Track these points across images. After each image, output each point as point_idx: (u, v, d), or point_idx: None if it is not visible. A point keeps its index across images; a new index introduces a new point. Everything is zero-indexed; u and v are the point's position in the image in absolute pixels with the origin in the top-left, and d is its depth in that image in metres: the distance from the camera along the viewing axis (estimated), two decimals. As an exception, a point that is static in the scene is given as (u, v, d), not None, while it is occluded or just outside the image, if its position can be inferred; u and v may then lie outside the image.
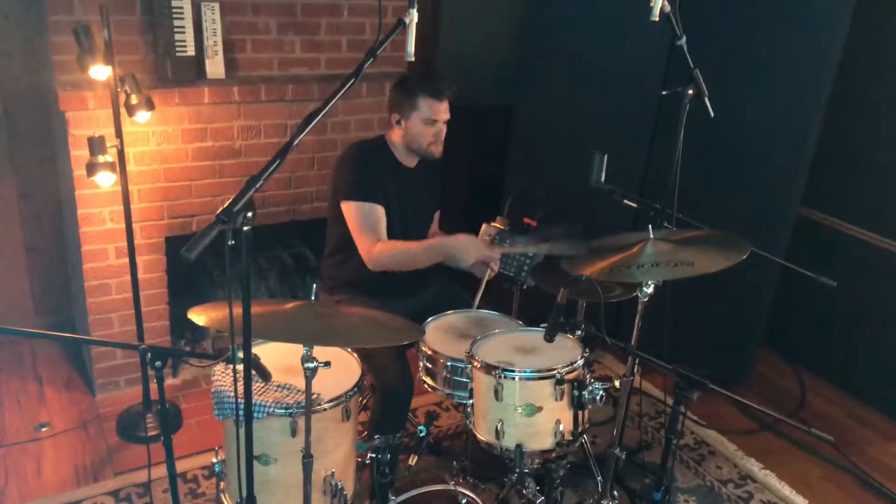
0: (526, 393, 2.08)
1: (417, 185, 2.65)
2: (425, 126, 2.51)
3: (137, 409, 2.98)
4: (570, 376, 2.09)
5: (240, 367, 1.62)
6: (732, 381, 3.44)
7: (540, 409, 2.09)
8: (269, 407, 1.90)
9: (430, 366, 2.37)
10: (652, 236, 2.17)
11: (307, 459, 1.86)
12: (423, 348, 2.36)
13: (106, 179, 2.65)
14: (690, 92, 2.32)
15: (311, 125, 1.61)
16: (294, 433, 1.92)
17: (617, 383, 2.22)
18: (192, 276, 3.42)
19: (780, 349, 3.79)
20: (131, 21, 2.83)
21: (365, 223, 2.49)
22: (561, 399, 2.09)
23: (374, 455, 2.02)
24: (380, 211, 2.51)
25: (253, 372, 1.66)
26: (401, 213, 2.59)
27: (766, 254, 2.45)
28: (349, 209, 2.50)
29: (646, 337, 2.21)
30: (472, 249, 2.45)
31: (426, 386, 2.40)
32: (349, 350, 2.19)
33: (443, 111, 2.51)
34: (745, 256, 2.04)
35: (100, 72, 2.53)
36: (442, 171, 2.74)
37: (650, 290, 2.08)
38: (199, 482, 2.67)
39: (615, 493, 2.41)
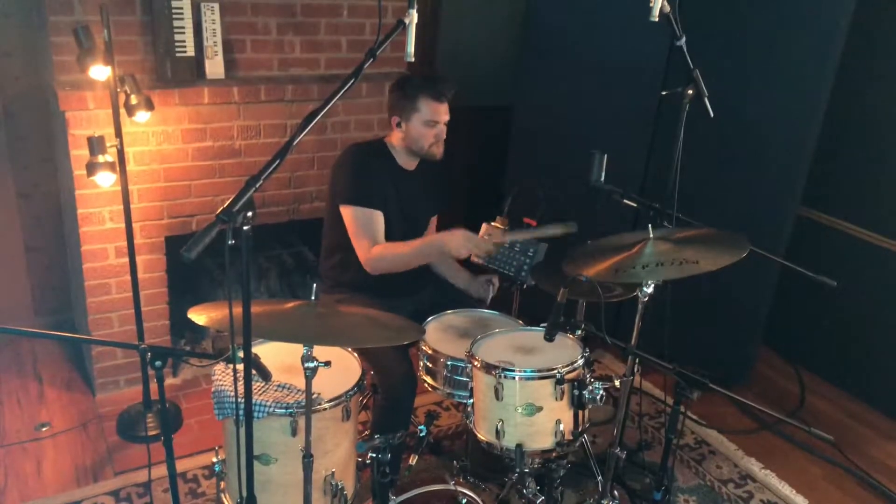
0: (526, 392, 2.08)
1: (418, 187, 2.65)
2: (426, 127, 2.50)
3: (137, 408, 2.98)
4: (571, 376, 2.09)
5: (240, 366, 1.62)
6: (732, 381, 3.44)
7: (540, 408, 2.09)
8: (270, 406, 1.90)
9: (430, 365, 2.37)
10: (652, 236, 2.16)
11: (307, 459, 1.86)
12: (424, 348, 2.37)
13: (106, 179, 2.65)
14: (690, 92, 2.32)
15: (310, 125, 1.61)
16: (294, 433, 1.92)
17: (617, 383, 2.22)
18: (192, 276, 3.42)
19: (780, 349, 3.78)
20: (131, 21, 2.83)
21: (363, 228, 2.48)
22: (561, 399, 2.09)
23: (374, 455, 2.02)
24: (378, 216, 2.50)
25: (253, 372, 1.66)
26: (402, 216, 2.59)
27: (766, 254, 2.45)
28: (347, 213, 2.50)
29: (646, 337, 2.21)
30: (465, 241, 2.40)
31: (426, 385, 2.40)
32: (349, 350, 2.19)
33: (443, 112, 2.51)
34: (745, 254, 2.03)
35: (100, 72, 2.53)
36: (442, 174, 2.73)
37: (650, 289, 2.08)
38: (200, 482, 2.67)
39: (615, 492, 2.41)
